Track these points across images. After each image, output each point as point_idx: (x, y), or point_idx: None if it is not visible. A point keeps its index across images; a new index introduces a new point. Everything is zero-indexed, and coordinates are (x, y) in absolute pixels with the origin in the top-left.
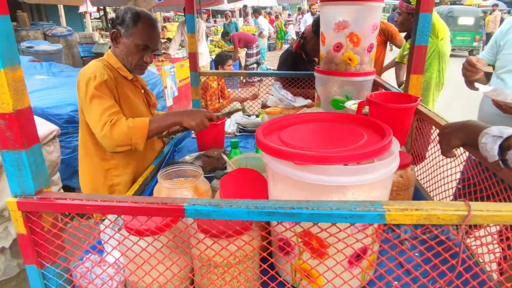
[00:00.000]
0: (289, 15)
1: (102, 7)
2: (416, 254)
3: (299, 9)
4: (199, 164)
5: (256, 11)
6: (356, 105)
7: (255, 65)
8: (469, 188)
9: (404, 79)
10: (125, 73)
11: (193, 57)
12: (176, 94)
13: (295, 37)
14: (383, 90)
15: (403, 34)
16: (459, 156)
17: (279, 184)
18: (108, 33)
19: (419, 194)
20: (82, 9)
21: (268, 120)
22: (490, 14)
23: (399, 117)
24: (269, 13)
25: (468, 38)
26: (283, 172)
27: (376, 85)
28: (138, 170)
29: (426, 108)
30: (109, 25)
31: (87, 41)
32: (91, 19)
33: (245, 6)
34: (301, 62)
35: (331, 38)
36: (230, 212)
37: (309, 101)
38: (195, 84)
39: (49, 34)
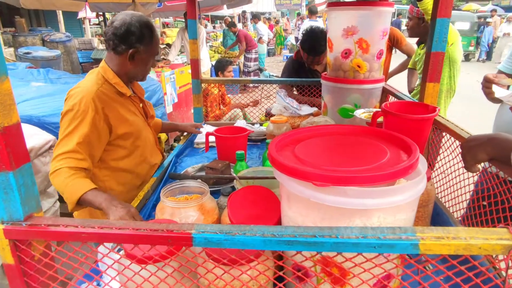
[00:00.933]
0: (285, 24)
1: (101, 13)
2: (442, 279)
3: (298, 14)
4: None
5: (255, 17)
6: (366, 114)
7: (255, 71)
8: (484, 201)
9: (415, 85)
10: (123, 89)
11: (195, 64)
12: (176, 100)
13: (294, 43)
14: (394, 98)
15: (412, 40)
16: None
17: (295, 206)
18: None
19: (437, 209)
20: (81, 15)
21: (274, 129)
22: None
23: (417, 128)
24: (268, 19)
25: (464, 43)
26: (300, 194)
27: (385, 93)
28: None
29: (443, 118)
30: (116, 39)
31: (86, 47)
32: (90, 25)
33: (244, 12)
34: (303, 69)
35: (339, 44)
36: (244, 240)
37: (315, 109)
38: (197, 92)
39: (48, 40)
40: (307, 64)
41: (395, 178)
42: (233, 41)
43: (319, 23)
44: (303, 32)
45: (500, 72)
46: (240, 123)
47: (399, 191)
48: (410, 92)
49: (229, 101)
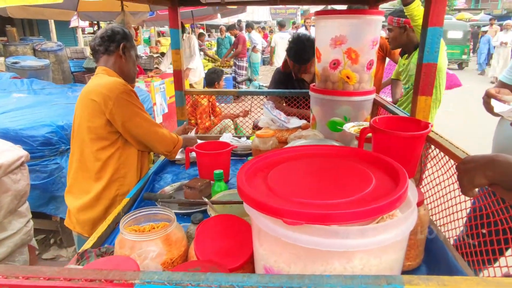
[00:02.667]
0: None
1: (96, 22)
2: None
3: (293, 23)
4: (179, 197)
5: (249, 26)
6: (356, 128)
7: (244, 81)
8: (482, 219)
9: (399, 97)
10: (130, 83)
11: (178, 75)
12: (166, 111)
13: None
14: (386, 111)
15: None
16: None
17: (266, 243)
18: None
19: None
20: (73, 24)
21: (259, 143)
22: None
23: (408, 146)
24: (263, 28)
25: (458, 51)
26: (271, 232)
27: (376, 105)
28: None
29: (437, 134)
30: (107, 41)
31: (78, 56)
32: (84, 34)
33: (239, 21)
34: (290, 80)
35: (327, 54)
36: None
37: (303, 121)
38: (180, 104)
39: (39, 49)
40: (294, 73)
41: (380, 214)
42: (227, 49)
43: (286, 34)
44: (289, 40)
45: (501, 83)
46: (226, 136)
47: (385, 229)
48: (394, 103)
49: (219, 112)
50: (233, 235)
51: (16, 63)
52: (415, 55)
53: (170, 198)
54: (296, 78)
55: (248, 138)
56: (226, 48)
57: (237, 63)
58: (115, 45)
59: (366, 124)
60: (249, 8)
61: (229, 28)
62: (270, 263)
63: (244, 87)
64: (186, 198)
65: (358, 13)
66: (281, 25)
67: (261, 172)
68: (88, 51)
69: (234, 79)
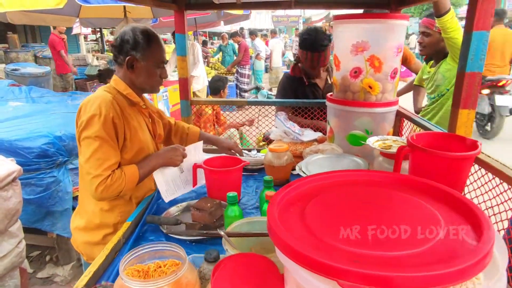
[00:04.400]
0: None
1: (98, 29)
2: None
3: (296, 29)
4: (186, 219)
5: (253, 33)
6: (380, 143)
7: (252, 89)
8: None
9: (423, 105)
10: (136, 98)
11: (184, 83)
12: None
13: (292, 59)
14: (410, 123)
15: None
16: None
17: None
18: (103, 55)
19: None
20: (75, 31)
21: (272, 158)
22: None
23: (455, 168)
24: (265, 35)
25: None
26: None
27: (399, 116)
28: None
29: (486, 155)
30: (115, 51)
31: (80, 63)
32: (86, 41)
33: (242, 29)
34: (300, 87)
35: (347, 62)
36: None
37: (319, 134)
38: (186, 114)
39: (40, 56)
40: (313, 66)
41: (462, 279)
42: (231, 56)
43: (280, 39)
44: (299, 33)
45: None
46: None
47: None
48: (416, 113)
49: (224, 121)
50: (256, 280)
51: (16, 70)
52: (443, 65)
53: (177, 222)
54: (308, 84)
55: (258, 151)
56: (229, 56)
57: (240, 70)
58: (123, 57)
59: (391, 138)
60: (251, 15)
61: (232, 35)
62: None
63: (247, 95)
64: (194, 221)
65: (382, 17)
66: (273, 32)
67: (295, 206)
68: (90, 58)
69: (237, 86)
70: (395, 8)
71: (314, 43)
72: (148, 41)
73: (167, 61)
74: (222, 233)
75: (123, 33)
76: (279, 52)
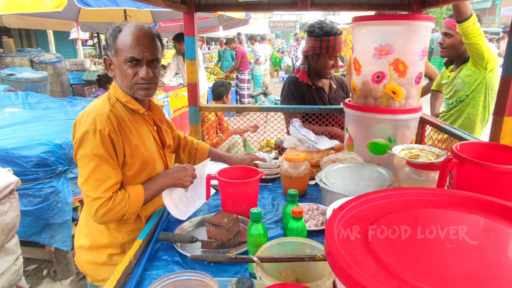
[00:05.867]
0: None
1: (95, 34)
2: None
3: (295, 35)
4: (201, 236)
5: (252, 38)
6: (406, 152)
7: (259, 95)
8: None
9: (441, 110)
10: (135, 105)
11: (193, 89)
12: None
13: (290, 64)
14: (432, 130)
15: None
16: None
17: None
18: (101, 60)
19: None
20: (73, 35)
21: (289, 168)
22: (497, 40)
23: (507, 184)
24: (262, 39)
25: None
26: None
27: (422, 123)
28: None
29: None
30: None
31: (77, 68)
32: (84, 46)
33: (239, 34)
34: (308, 92)
35: (368, 65)
36: None
37: (335, 142)
38: (195, 121)
39: (36, 61)
40: (329, 52)
41: None
42: (229, 62)
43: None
44: (309, 25)
45: None
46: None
47: None
48: (434, 117)
49: (227, 127)
50: None
51: (11, 74)
52: (463, 69)
53: (192, 239)
54: (314, 88)
55: (276, 157)
56: (227, 61)
57: (239, 76)
58: (104, 58)
59: (416, 146)
60: (249, 20)
61: (227, 42)
62: None
63: (246, 101)
64: (209, 237)
65: (406, 18)
66: (262, 38)
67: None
68: (88, 63)
69: (236, 92)
70: (416, 10)
71: (324, 28)
72: (114, 35)
73: (156, 59)
74: (255, 259)
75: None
76: (265, 55)
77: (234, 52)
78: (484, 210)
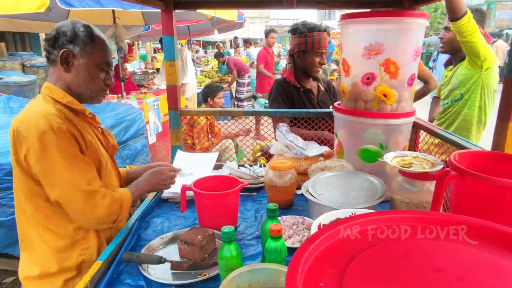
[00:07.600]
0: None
1: None
2: None
3: None
4: (172, 257)
5: (247, 42)
6: (398, 160)
7: (248, 98)
8: None
9: (435, 115)
10: (79, 106)
11: (172, 92)
12: (160, 129)
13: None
14: (427, 135)
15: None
16: None
17: None
18: None
19: None
20: None
21: (274, 176)
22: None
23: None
24: (255, 43)
25: None
26: None
27: (416, 128)
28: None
29: None
30: (48, 45)
31: None
32: None
33: (236, 38)
34: (296, 94)
35: (358, 66)
36: None
37: (325, 148)
38: (176, 126)
39: (28, 65)
40: (314, 47)
41: None
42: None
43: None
44: (293, 26)
45: None
46: (231, 166)
47: None
48: (430, 121)
49: (218, 131)
50: None
51: None
52: (460, 68)
53: (160, 260)
54: (303, 90)
55: (260, 165)
56: (226, 71)
57: (239, 80)
58: (57, 52)
59: (410, 154)
60: (245, 25)
61: (216, 55)
62: None
63: (245, 104)
64: (181, 257)
65: (397, 15)
66: (255, 43)
67: (329, 275)
68: None
69: (235, 96)
70: (408, 7)
71: (314, 25)
72: (91, 36)
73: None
74: None
75: (60, 25)
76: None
77: (227, 61)
78: (492, 241)
